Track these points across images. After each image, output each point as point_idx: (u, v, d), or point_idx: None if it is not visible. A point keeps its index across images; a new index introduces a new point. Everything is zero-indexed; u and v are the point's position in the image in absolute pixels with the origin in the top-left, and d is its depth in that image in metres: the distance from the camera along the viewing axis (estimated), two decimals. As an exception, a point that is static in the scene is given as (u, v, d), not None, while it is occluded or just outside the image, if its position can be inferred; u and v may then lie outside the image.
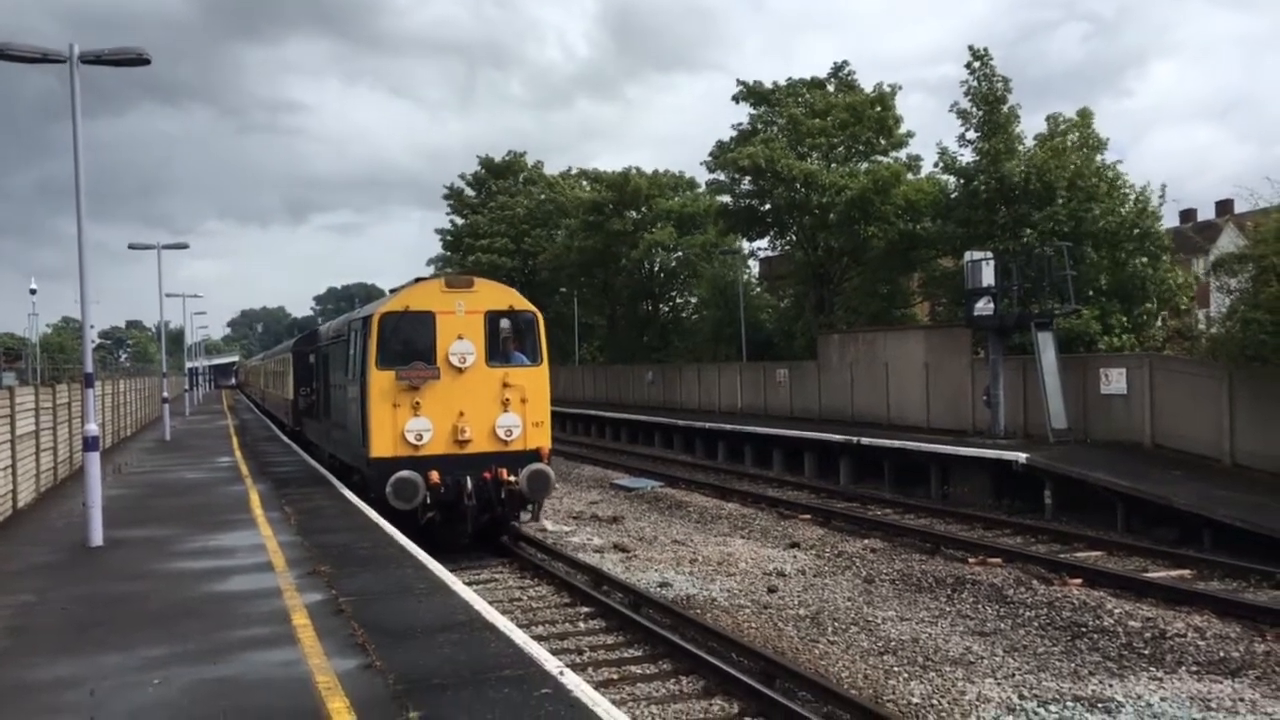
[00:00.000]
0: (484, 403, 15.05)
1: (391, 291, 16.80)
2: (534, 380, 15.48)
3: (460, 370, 14.98)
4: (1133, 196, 25.18)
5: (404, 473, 14.22)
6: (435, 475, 14.44)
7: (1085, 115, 26.46)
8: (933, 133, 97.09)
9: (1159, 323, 25.30)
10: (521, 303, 15.91)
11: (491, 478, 14.86)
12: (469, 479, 14.65)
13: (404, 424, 14.68)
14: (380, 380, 14.74)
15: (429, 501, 14.40)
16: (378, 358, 14.80)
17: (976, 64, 27.24)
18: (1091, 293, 24.05)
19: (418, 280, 16.30)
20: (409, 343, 15.04)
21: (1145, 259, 24.26)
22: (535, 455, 15.23)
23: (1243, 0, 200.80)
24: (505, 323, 15.72)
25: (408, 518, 14.31)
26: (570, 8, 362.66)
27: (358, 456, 16.03)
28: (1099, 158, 25.91)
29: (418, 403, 14.75)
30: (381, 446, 14.70)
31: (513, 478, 14.87)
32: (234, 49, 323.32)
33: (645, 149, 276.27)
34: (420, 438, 14.71)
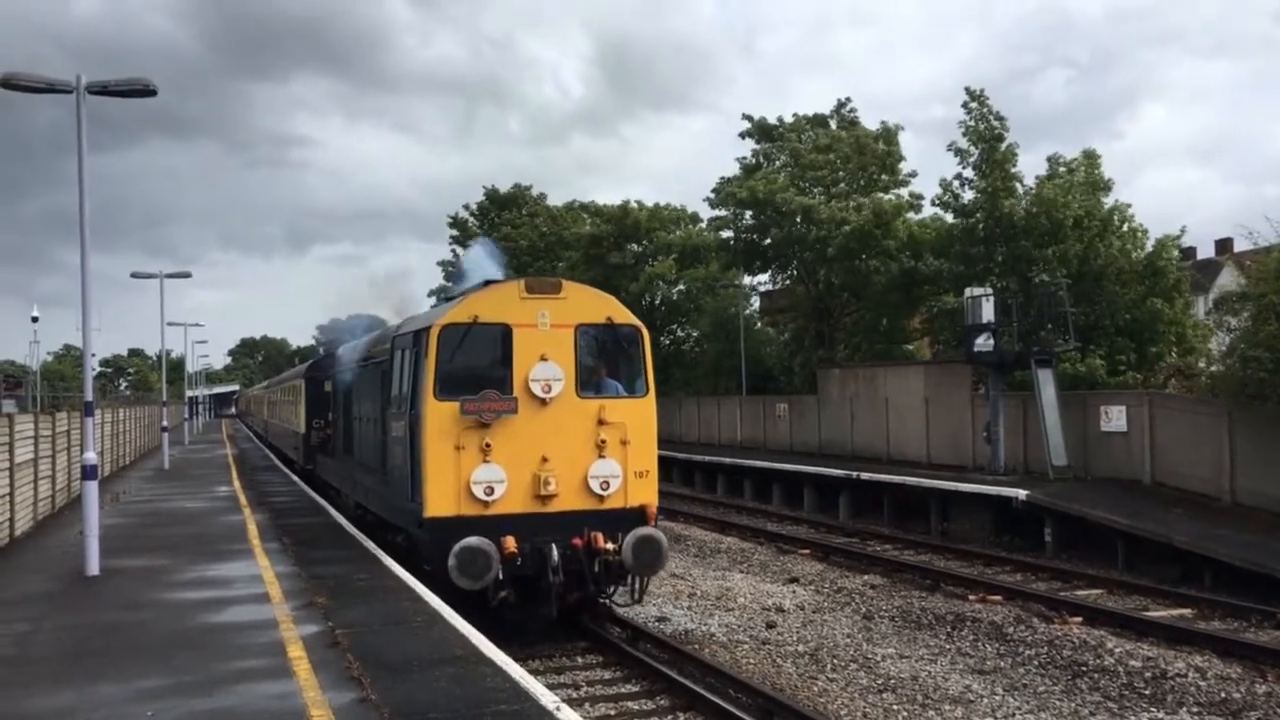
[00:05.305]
0: (574, 445, 11.77)
1: (447, 298, 13.04)
2: (638, 416, 12.14)
3: (543, 402, 11.65)
4: (1149, 242, 25.40)
5: (471, 540, 10.87)
6: (511, 542, 11.14)
7: (1091, 156, 26.71)
8: (922, 173, 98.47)
9: (1161, 362, 25.32)
10: (622, 313, 12.42)
11: (583, 545, 11.52)
12: (554, 547, 11.35)
13: (470, 473, 11.35)
14: (439, 414, 11.38)
15: (501, 577, 11.06)
16: (436, 385, 11.46)
17: (974, 105, 27.50)
18: (1112, 331, 24.13)
19: (487, 283, 12.80)
20: (476, 365, 11.81)
21: (1161, 300, 24.34)
22: (639, 515, 11.87)
23: (1223, 47, 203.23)
24: (599, 339, 12.46)
25: (471, 596, 11.11)
26: (565, 48, 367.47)
27: (402, 513, 12.82)
28: (1107, 199, 26.08)
29: (488, 444, 11.39)
30: (440, 503, 11.36)
31: (611, 545, 11.54)
32: (243, 86, 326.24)
33: (643, 185, 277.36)
34: (491, 491, 11.38)
